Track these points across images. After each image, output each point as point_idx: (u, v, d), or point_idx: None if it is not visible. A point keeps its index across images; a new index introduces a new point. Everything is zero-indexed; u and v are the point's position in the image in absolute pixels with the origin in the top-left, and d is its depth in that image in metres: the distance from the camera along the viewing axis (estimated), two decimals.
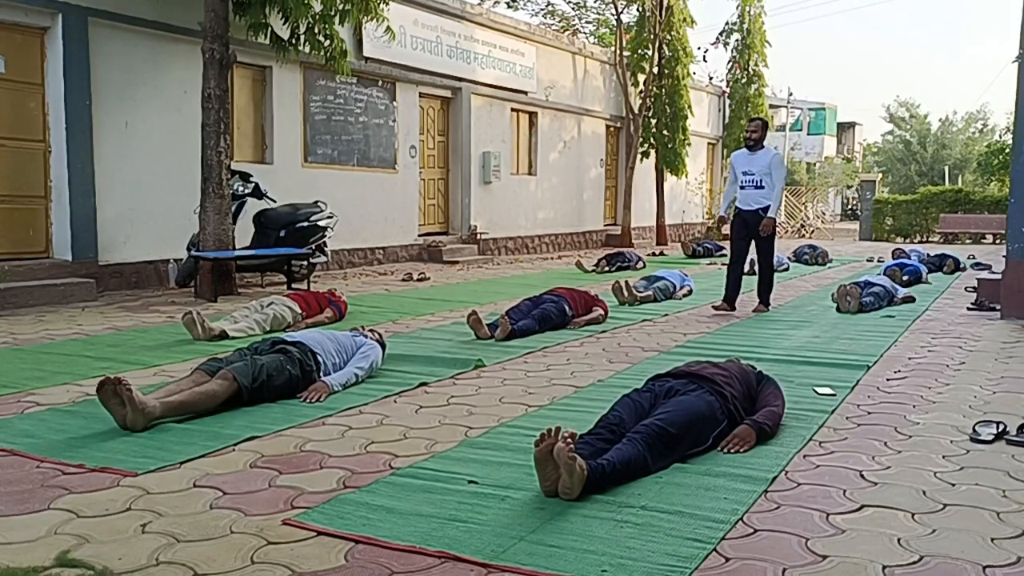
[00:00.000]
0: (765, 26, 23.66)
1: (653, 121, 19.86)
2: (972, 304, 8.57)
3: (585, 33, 30.08)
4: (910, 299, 8.90)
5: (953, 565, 2.44)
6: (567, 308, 7.02)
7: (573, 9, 30.95)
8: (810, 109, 44.65)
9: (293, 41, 9.70)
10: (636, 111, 19.31)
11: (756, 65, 23.54)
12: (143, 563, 2.41)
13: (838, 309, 8.22)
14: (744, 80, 23.49)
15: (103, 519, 2.74)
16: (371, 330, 5.33)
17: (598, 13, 30.45)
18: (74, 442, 3.56)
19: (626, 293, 8.47)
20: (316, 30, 9.65)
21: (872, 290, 8.49)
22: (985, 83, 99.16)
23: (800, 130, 43.40)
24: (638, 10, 19.78)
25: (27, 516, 2.76)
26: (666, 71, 20.00)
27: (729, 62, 24.03)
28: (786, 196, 30.08)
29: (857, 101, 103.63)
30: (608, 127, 19.62)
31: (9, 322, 6.99)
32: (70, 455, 3.38)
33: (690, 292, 9.37)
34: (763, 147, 8.17)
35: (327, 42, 9.73)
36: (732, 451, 3.45)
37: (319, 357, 4.63)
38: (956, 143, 44.14)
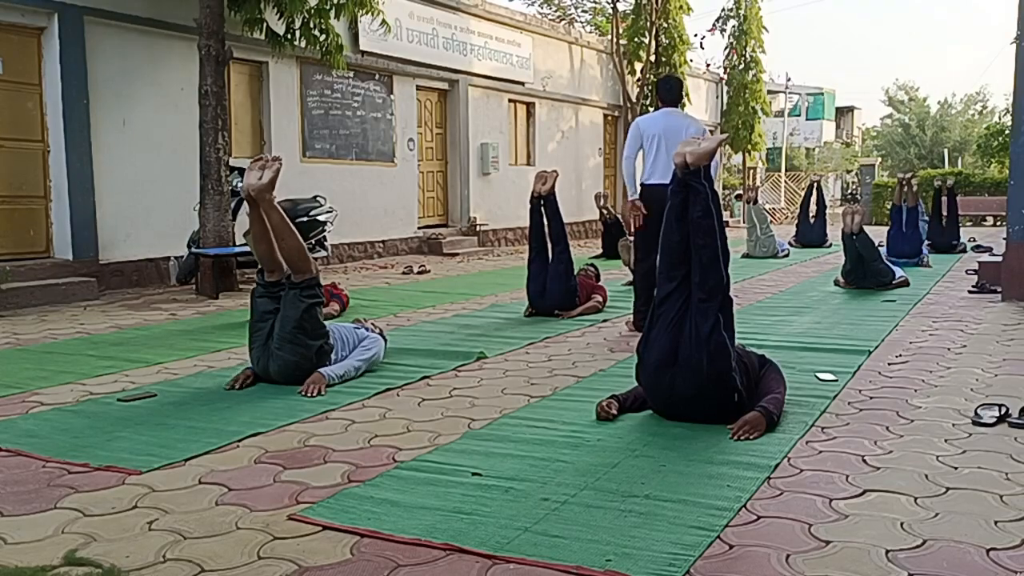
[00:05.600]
0: (762, 12, 23.60)
1: (651, 109, 19.79)
2: (973, 287, 8.56)
3: (581, 22, 29.98)
4: (904, 283, 8.88)
5: (956, 548, 2.45)
6: (577, 288, 7.12)
7: None
8: (808, 94, 44.45)
9: (289, 36, 9.68)
10: (634, 99, 19.25)
11: (753, 51, 23.45)
12: (151, 560, 2.42)
13: (843, 231, 8.65)
14: (741, 67, 23.41)
15: (109, 517, 2.75)
16: (372, 323, 5.34)
17: (594, 2, 30.35)
18: (78, 441, 3.57)
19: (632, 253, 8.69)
20: (312, 24, 9.63)
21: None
22: (983, 64, 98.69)
23: (799, 115, 43.23)
24: None
25: (34, 516, 2.77)
26: (663, 59, 19.93)
27: (726, 49, 23.94)
28: (786, 182, 30.09)
29: (856, 85, 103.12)
30: (606, 116, 19.57)
31: (11, 322, 7.00)
32: (75, 454, 3.39)
33: None
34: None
35: (323, 36, 9.72)
36: (743, 438, 3.47)
37: (336, 347, 4.71)
38: (955, 125, 43.96)
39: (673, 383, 3.67)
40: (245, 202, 4.65)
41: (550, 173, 7.32)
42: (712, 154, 3.81)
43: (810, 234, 14.77)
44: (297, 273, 4.45)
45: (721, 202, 3.82)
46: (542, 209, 7.14)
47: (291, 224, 4.51)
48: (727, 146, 24.36)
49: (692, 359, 3.60)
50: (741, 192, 24.15)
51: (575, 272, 7.30)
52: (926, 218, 13.27)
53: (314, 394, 4.32)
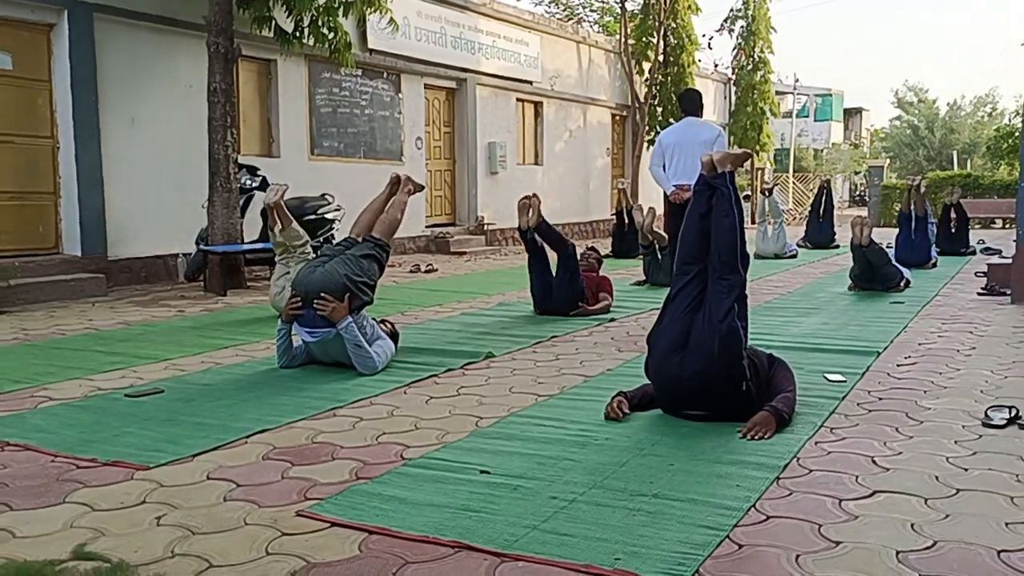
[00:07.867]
0: (770, 12, 23.55)
1: (659, 109, 19.78)
2: (982, 289, 8.53)
3: (589, 22, 29.96)
4: (907, 283, 8.86)
5: (967, 550, 2.44)
6: (583, 289, 7.09)
7: None
8: (816, 95, 44.33)
9: (297, 34, 9.69)
10: (642, 99, 19.23)
11: (761, 52, 23.41)
12: (159, 555, 2.43)
13: (852, 242, 8.65)
14: (750, 67, 23.37)
15: (118, 512, 2.76)
16: (383, 321, 5.34)
17: (602, 1, 30.33)
18: (86, 436, 3.58)
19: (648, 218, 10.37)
20: (320, 22, 9.64)
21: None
22: (993, 66, 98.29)
23: (807, 116, 43.13)
24: None
25: (43, 510, 2.78)
26: (671, 59, 19.90)
27: (734, 49, 23.91)
28: (794, 183, 30.03)
29: (864, 86, 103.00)
30: (614, 116, 19.56)
31: (20, 318, 7.02)
32: (83, 449, 3.40)
33: None
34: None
35: (331, 34, 9.73)
36: (755, 438, 3.45)
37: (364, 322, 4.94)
38: (965, 127, 43.80)
39: (681, 367, 3.66)
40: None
41: (532, 199, 7.09)
42: (737, 160, 4.04)
43: (819, 235, 14.79)
44: (379, 236, 5.20)
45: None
46: (534, 239, 7.05)
47: (405, 208, 5.54)
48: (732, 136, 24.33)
49: (704, 343, 3.62)
50: (748, 193, 24.09)
51: (579, 267, 7.21)
52: (933, 219, 13.23)
53: (338, 314, 4.64)
